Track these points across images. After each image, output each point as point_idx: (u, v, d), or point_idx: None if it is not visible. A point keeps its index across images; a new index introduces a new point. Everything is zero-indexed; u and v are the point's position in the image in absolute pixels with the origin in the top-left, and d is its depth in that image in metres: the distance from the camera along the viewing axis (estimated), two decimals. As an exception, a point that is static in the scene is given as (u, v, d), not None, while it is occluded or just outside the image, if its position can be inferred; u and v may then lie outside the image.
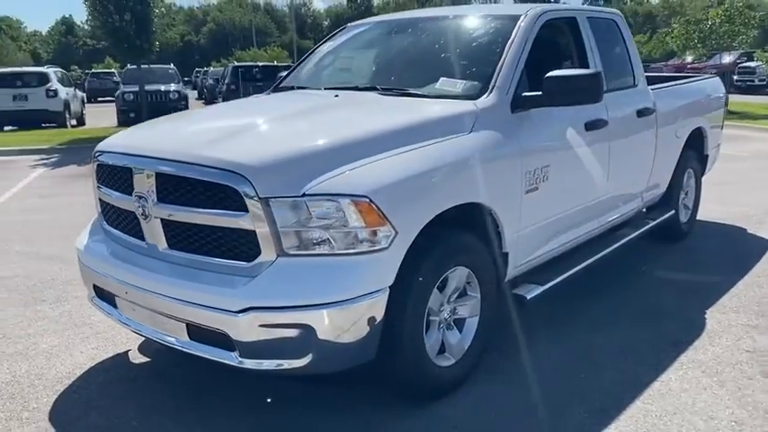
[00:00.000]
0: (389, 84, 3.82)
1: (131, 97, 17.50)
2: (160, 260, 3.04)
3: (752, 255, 5.44)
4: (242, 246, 2.77)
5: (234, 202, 2.71)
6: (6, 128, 17.96)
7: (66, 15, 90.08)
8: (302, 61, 4.76)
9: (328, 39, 4.83)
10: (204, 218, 2.81)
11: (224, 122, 3.52)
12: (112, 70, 43.65)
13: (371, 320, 2.76)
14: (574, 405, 3.17)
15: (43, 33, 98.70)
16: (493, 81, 3.54)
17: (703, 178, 6.29)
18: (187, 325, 2.87)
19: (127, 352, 3.86)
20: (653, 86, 5.11)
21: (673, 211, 5.51)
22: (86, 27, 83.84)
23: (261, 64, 25.95)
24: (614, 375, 3.46)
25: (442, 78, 3.68)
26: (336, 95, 3.74)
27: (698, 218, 6.55)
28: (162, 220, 2.97)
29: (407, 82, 3.82)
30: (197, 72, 45.45)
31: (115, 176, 3.22)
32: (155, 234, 3.02)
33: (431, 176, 2.94)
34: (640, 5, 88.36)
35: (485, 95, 3.48)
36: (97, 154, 3.38)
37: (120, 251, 3.27)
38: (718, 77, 6.69)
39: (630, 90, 4.73)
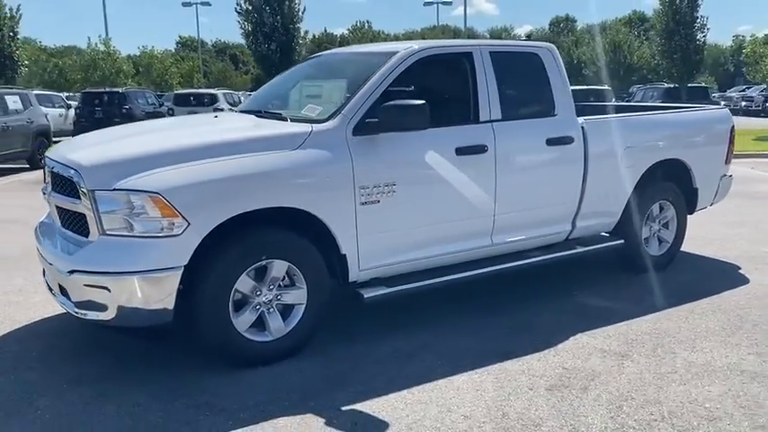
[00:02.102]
0: (273, 108, 4.59)
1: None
2: (58, 235, 4.10)
3: (706, 292, 5.28)
4: (84, 225, 3.73)
5: (76, 192, 3.69)
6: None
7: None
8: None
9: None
10: (67, 203, 3.83)
11: (114, 134, 4.53)
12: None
13: (162, 290, 3.56)
14: (351, 385, 3.69)
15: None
16: (341, 109, 4.15)
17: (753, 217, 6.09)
18: (58, 283, 3.89)
19: (82, 310, 4.99)
20: (589, 117, 5.28)
21: (621, 241, 5.55)
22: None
23: None
24: (416, 369, 3.89)
25: (308, 105, 4.38)
26: (216, 116, 4.60)
27: (709, 255, 6.39)
28: (56, 205, 4.03)
29: (288, 107, 4.56)
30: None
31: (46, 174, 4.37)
32: (55, 216, 4.10)
33: (233, 181, 3.67)
34: None
35: (329, 121, 4.12)
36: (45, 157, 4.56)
37: (52, 229, 4.39)
38: (726, 109, 6.44)
39: (544, 119, 4.96)
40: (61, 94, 23.56)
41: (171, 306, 3.61)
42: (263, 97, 5.17)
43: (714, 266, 6.14)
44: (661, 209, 5.91)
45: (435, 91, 4.61)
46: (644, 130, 5.63)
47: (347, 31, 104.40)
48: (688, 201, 6.10)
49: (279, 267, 3.92)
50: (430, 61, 4.57)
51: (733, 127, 6.29)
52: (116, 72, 32.32)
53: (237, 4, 16.53)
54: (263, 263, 3.86)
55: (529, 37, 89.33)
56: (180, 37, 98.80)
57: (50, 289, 4.19)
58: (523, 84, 5.00)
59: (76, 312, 3.71)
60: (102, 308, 3.60)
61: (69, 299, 3.76)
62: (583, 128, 5.13)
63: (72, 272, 3.61)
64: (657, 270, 5.88)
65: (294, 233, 3.97)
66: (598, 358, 4.07)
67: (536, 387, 3.68)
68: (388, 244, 4.30)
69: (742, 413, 3.39)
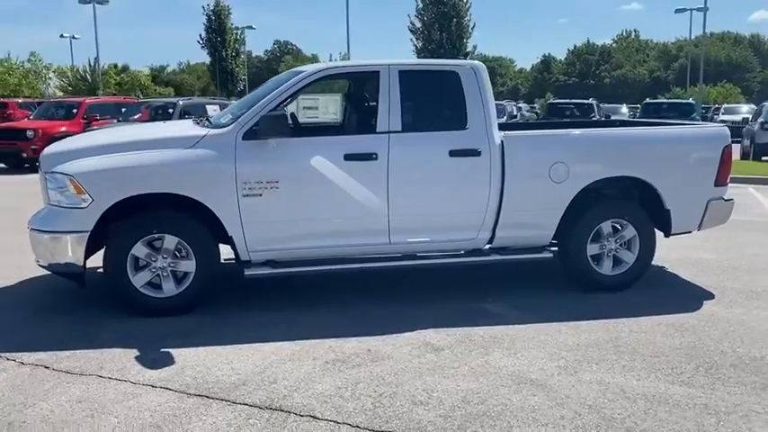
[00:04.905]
0: (221, 117, 5.66)
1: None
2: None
3: (626, 314, 5.15)
4: (49, 199, 5.23)
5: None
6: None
7: (546, 54, 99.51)
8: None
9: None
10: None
11: (91, 133, 5.97)
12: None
13: (72, 247, 4.88)
14: (192, 338, 4.64)
15: (527, 70, 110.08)
16: (238, 118, 5.12)
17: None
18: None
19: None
20: (512, 131, 5.49)
21: (549, 255, 5.62)
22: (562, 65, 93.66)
23: (671, 101, 29.98)
24: (252, 335, 4.68)
25: (226, 113, 5.40)
26: (164, 122, 5.80)
27: (703, 283, 6.07)
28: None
29: (220, 117, 5.62)
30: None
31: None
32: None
33: (127, 170, 4.86)
34: None
35: (227, 127, 5.10)
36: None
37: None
38: (723, 127, 5.95)
39: (450, 132, 5.32)
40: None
41: (80, 261, 4.93)
42: (229, 107, 6.32)
43: (682, 293, 5.80)
44: (618, 228, 5.77)
45: (335, 104, 5.32)
46: (578, 146, 5.59)
47: (612, 41, 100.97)
48: (660, 222, 5.84)
49: (170, 241, 5.02)
50: (334, 80, 5.30)
51: (727, 147, 5.83)
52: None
53: (411, 23, 17.77)
54: (155, 236, 5.00)
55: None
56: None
57: None
58: (433, 99, 5.43)
59: (37, 262, 5.22)
60: (45, 257, 5.05)
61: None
62: (502, 142, 5.38)
63: (31, 230, 5.13)
64: (611, 290, 5.75)
65: (186, 215, 5.04)
66: (410, 348, 4.47)
67: (318, 359, 4.28)
68: (275, 232, 5.14)
69: (371, 404, 3.66)
